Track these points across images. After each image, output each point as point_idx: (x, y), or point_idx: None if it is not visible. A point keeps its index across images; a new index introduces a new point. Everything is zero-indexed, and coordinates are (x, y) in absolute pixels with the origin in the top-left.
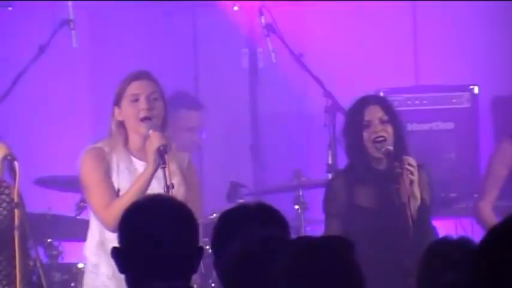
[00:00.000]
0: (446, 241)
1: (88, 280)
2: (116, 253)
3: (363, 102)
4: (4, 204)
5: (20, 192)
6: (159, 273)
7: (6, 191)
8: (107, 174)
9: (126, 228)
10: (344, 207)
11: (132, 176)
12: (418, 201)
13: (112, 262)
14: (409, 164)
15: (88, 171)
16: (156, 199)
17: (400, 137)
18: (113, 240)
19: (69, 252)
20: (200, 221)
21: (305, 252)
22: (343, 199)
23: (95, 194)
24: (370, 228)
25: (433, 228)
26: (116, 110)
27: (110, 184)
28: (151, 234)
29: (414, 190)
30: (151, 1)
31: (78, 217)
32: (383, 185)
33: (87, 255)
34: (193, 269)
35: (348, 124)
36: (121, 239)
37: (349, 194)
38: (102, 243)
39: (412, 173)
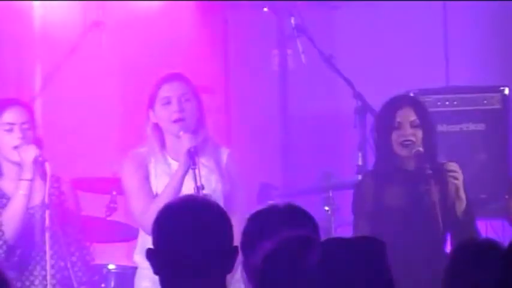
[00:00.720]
0: (472, 242)
1: (136, 282)
2: (150, 254)
3: (397, 103)
4: (53, 199)
5: (76, 193)
6: (192, 273)
7: (56, 185)
8: (145, 179)
9: (159, 230)
10: (372, 208)
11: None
12: (464, 204)
13: None
14: (452, 170)
15: (127, 177)
16: (188, 200)
17: (429, 141)
18: None
19: (99, 254)
20: (245, 217)
21: (336, 252)
22: (372, 200)
23: (134, 199)
24: (399, 228)
25: (477, 231)
26: (151, 113)
27: (148, 189)
28: (184, 235)
29: (460, 194)
30: (181, 1)
31: (108, 218)
32: (411, 185)
33: (136, 260)
34: (228, 268)
35: (379, 123)
36: (154, 240)
37: (378, 195)
38: (145, 247)
39: (456, 178)
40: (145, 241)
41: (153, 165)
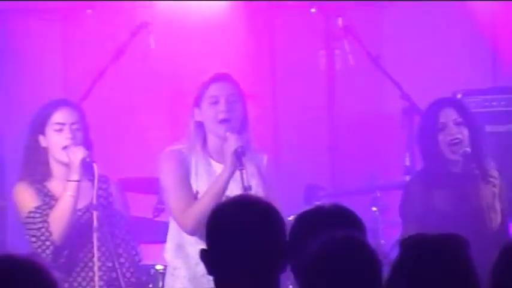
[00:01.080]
0: None
1: (168, 282)
2: (204, 255)
3: (438, 105)
4: (101, 200)
5: (124, 194)
6: (247, 273)
7: (104, 186)
8: (186, 177)
9: (213, 230)
10: (421, 211)
11: (210, 178)
12: (499, 215)
13: (191, 265)
14: (494, 177)
15: (167, 174)
16: (242, 200)
17: (476, 139)
18: (191, 243)
19: (147, 254)
20: None
21: (422, 252)
22: (420, 202)
23: (173, 197)
24: (448, 231)
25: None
26: (196, 111)
27: (188, 187)
28: (239, 235)
29: (495, 204)
30: (229, 1)
31: (155, 219)
32: (459, 187)
33: (167, 259)
34: (282, 268)
35: (423, 127)
36: (208, 241)
37: (426, 197)
38: (180, 246)
39: (495, 186)
40: (177, 239)
41: (194, 164)
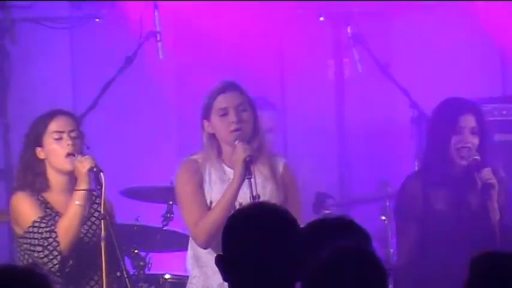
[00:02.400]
0: None
1: None
2: (219, 261)
3: (460, 108)
4: (96, 214)
5: (111, 203)
6: (262, 281)
7: (98, 200)
8: (200, 188)
9: (229, 237)
10: (421, 211)
11: (223, 185)
12: (498, 214)
13: (208, 274)
14: (490, 178)
15: (181, 185)
16: (259, 207)
17: (483, 149)
18: (208, 251)
19: (156, 263)
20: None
21: (493, 270)
22: (420, 203)
23: (187, 209)
24: (447, 231)
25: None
26: (206, 123)
27: (202, 199)
28: (254, 243)
29: (495, 204)
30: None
31: (165, 228)
32: (459, 188)
33: (188, 268)
34: (298, 277)
35: (439, 125)
36: (224, 247)
37: (426, 197)
38: (197, 255)
39: (494, 186)
40: (195, 248)
41: (208, 173)
